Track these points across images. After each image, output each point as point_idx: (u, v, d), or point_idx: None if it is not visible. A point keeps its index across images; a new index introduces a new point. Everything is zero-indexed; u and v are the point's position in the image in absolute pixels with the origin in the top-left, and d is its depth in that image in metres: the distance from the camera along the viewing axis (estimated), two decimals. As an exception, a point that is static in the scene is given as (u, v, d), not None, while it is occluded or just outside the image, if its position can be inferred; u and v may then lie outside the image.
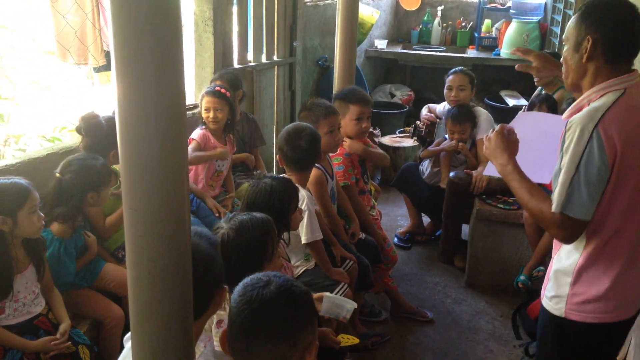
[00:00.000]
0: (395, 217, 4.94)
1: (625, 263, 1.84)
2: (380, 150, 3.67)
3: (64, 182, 2.50)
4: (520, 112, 2.38)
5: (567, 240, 1.86)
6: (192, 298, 1.38)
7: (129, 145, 1.24)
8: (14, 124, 3.20)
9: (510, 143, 1.99)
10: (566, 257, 1.92)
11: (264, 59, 4.63)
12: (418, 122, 4.47)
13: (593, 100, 1.82)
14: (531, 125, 2.14)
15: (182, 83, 1.27)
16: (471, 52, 6.81)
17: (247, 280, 1.41)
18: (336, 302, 2.41)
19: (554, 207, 1.78)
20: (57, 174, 2.52)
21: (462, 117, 4.05)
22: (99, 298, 2.63)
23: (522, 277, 3.54)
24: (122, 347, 2.62)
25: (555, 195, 1.78)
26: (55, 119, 3.52)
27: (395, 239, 4.48)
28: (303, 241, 2.71)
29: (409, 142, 5.57)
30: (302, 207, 2.61)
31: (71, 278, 2.52)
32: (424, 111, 4.60)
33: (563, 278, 1.91)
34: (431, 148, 4.24)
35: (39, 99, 3.55)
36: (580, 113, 1.79)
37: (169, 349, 1.33)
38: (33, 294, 2.32)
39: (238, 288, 1.41)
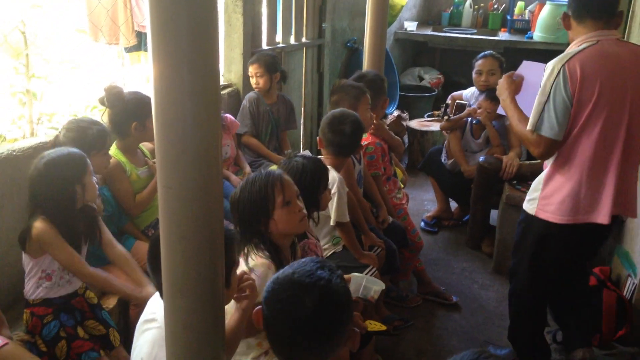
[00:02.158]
0: (422, 202, 4.91)
1: (578, 179, 2.38)
2: (398, 138, 3.64)
3: (59, 142, 2.54)
4: (525, 61, 2.89)
5: (542, 156, 2.46)
6: (223, 275, 1.39)
7: (165, 124, 1.25)
8: (47, 102, 3.23)
9: (512, 84, 2.67)
10: (544, 170, 2.54)
11: (292, 41, 4.62)
12: (449, 102, 4.41)
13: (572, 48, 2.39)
14: (534, 74, 2.64)
15: (216, 64, 1.28)
16: (503, 35, 6.68)
17: (279, 291, 1.36)
18: (364, 282, 2.41)
19: (528, 126, 2.40)
20: (58, 133, 2.60)
21: (495, 96, 4.00)
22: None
23: None
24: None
25: (530, 118, 2.40)
26: (86, 98, 3.55)
27: (422, 224, 4.46)
28: (332, 222, 2.71)
29: (437, 126, 5.52)
30: (333, 190, 2.61)
31: None
32: (449, 101, 4.54)
33: (537, 185, 2.54)
34: (453, 117, 4.20)
35: (70, 78, 3.58)
36: (557, 57, 2.36)
37: (202, 324, 1.35)
38: None
39: (271, 295, 1.37)
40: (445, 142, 4.29)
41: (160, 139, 1.26)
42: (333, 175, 2.67)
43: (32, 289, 2.28)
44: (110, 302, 2.57)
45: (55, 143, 2.54)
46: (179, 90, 1.21)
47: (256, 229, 2.08)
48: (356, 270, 2.65)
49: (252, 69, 3.75)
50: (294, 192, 2.13)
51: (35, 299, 2.29)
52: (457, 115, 4.18)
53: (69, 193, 2.25)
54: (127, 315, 2.63)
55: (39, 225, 2.21)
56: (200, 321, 1.35)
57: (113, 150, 2.82)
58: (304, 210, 2.15)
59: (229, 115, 3.61)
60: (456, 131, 4.15)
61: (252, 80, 3.78)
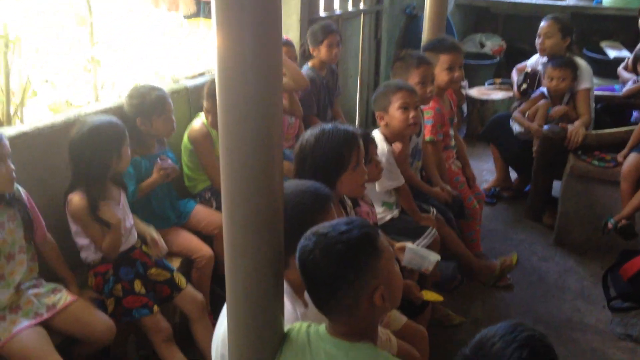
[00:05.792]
0: (480, 172, 4.79)
1: None
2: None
3: (123, 108, 2.66)
4: None
5: None
6: (282, 239, 1.40)
7: (227, 89, 1.26)
8: (110, 69, 3.31)
9: None
10: None
11: (350, 7, 4.55)
12: (529, 71, 4.24)
13: None
14: None
15: (279, 31, 1.28)
16: (570, 0, 6.38)
17: (302, 240, 1.40)
18: (419, 253, 2.39)
19: None
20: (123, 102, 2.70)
21: (563, 62, 3.85)
22: (189, 237, 2.75)
23: (612, 220, 3.38)
24: (212, 288, 2.75)
25: None
26: (146, 65, 3.61)
27: (480, 195, 4.36)
28: (377, 189, 2.71)
29: (498, 95, 5.37)
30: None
31: (129, 195, 2.56)
32: (515, 75, 4.39)
33: None
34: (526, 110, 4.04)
35: (132, 45, 3.65)
36: None
37: (261, 286, 1.37)
38: (130, 224, 2.47)
39: (299, 245, 1.42)
40: (523, 105, 4.13)
41: (222, 103, 1.28)
42: (383, 146, 2.68)
43: (91, 254, 2.38)
44: (174, 263, 2.65)
45: (122, 112, 2.61)
46: (242, 57, 1.22)
47: None
48: (416, 232, 2.65)
49: (332, 39, 3.61)
50: (363, 153, 2.10)
51: (95, 260, 2.38)
52: (534, 98, 4.03)
53: (105, 160, 2.31)
54: (190, 276, 2.71)
55: (75, 199, 2.27)
56: (259, 283, 1.36)
57: (205, 122, 2.89)
58: (366, 176, 2.13)
59: None
60: (549, 102, 4.00)
61: (330, 51, 3.63)
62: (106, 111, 2.69)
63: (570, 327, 3.02)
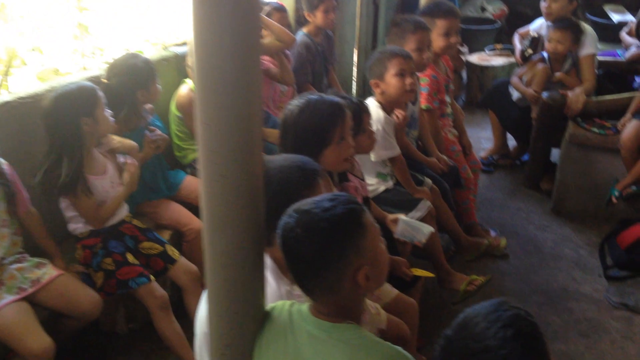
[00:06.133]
0: (478, 139, 4.74)
1: None
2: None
3: (112, 87, 2.52)
4: None
5: None
6: (263, 215, 1.36)
7: (204, 61, 1.20)
8: (98, 36, 3.23)
9: None
10: None
11: (347, -30, 4.43)
12: (536, 36, 4.13)
13: None
14: None
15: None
16: (574, -39, 6.21)
17: (281, 222, 1.34)
18: (412, 225, 2.35)
19: None
20: (104, 80, 2.56)
21: (564, 25, 3.73)
22: (179, 209, 2.71)
23: (616, 192, 3.33)
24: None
25: None
26: (137, 32, 3.53)
27: (477, 163, 4.31)
28: (372, 158, 2.67)
29: (499, 61, 5.27)
30: (375, 128, 2.52)
31: None
32: (517, 40, 4.29)
33: None
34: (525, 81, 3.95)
35: (121, 12, 3.57)
36: None
37: (241, 262, 1.32)
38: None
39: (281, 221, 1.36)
40: (523, 70, 4.05)
41: (200, 76, 1.23)
42: (379, 114, 2.62)
43: (79, 226, 2.34)
44: (164, 236, 2.62)
45: (106, 89, 2.44)
46: (219, 28, 1.16)
47: None
48: (409, 204, 2.61)
49: (328, 4, 3.50)
50: (350, 126, 2.01)
51: (83, 232, 2.35)
52: (531, 62, 3.94)
53: (76, 126, 2.21)
54: (180, 249, 2.69)
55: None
56: (239, 262, 1.32)
57: (192, 88, 2.82)
58: (352, 150, 2.04)
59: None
60: (547, 67, 3.90)
61: (326, 16, 3.53)
62: (94, 79, 2.62)
63: (565, 296, 3.01)
